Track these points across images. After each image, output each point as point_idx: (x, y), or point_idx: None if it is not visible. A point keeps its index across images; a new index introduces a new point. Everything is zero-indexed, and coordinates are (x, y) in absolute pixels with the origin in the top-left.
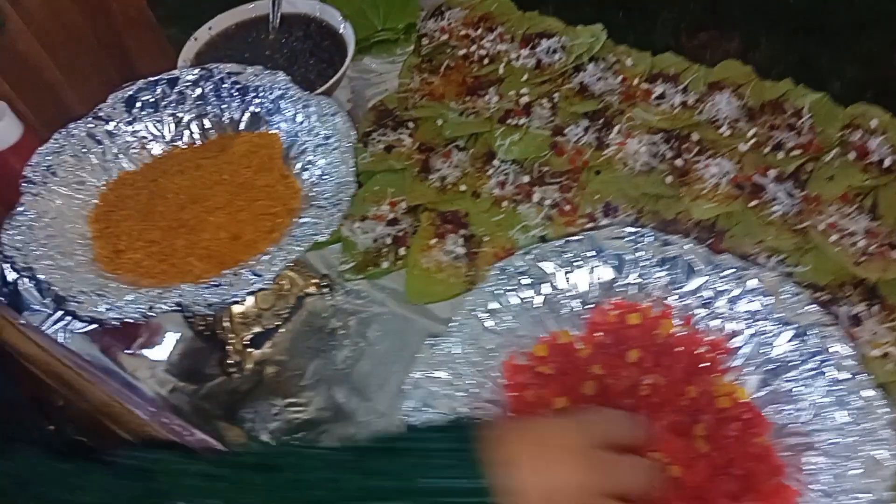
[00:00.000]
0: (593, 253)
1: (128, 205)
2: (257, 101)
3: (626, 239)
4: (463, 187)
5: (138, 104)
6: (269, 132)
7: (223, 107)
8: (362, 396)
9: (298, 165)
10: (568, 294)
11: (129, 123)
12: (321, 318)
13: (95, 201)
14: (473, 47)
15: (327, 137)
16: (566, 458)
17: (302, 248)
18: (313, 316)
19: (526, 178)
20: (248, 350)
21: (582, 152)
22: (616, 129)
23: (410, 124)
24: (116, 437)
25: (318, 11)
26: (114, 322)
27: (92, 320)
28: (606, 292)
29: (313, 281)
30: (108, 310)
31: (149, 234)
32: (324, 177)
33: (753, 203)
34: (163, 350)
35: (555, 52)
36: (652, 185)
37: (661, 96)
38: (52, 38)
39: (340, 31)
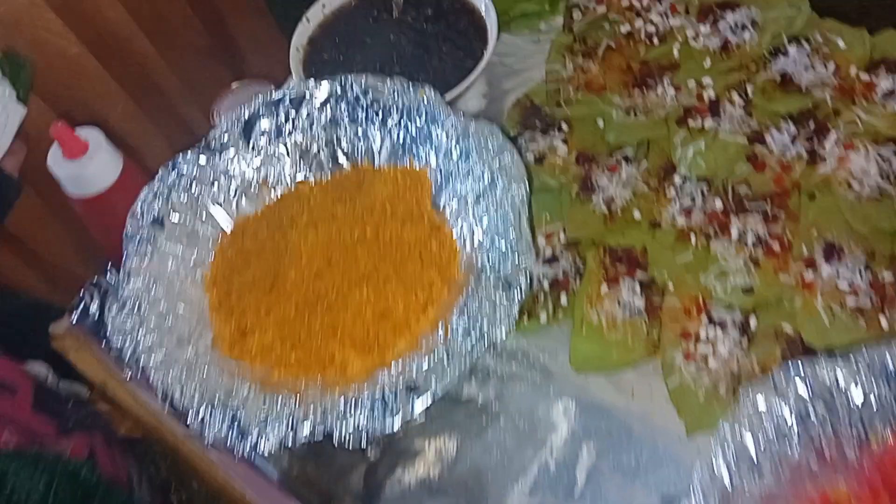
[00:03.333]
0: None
1: (251, 264)
2: (400, 126)
3: None
4: (637, 214)
5: (257, 130)
6: (416, 168)
7: (359, 133)
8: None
9: (453, 214)
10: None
11: (247, 154)
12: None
13: (211, 258)
14: (639, 22)
15: (491, 180)
16: None
17: (473, 353)
18: None
19: (718, 203)
20: None
21: (790, 168)
22: (832, 136)
23: (564, 126)
24: None
25: None
26: (245, 453)
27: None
28: None
29: None
30: (239, 437)
31: (279, 309)
32: (488, 234)
33: None
34: None
35: (743, 28)
36: (887, 218)
37: (891, 93)
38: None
39: (480, 10)
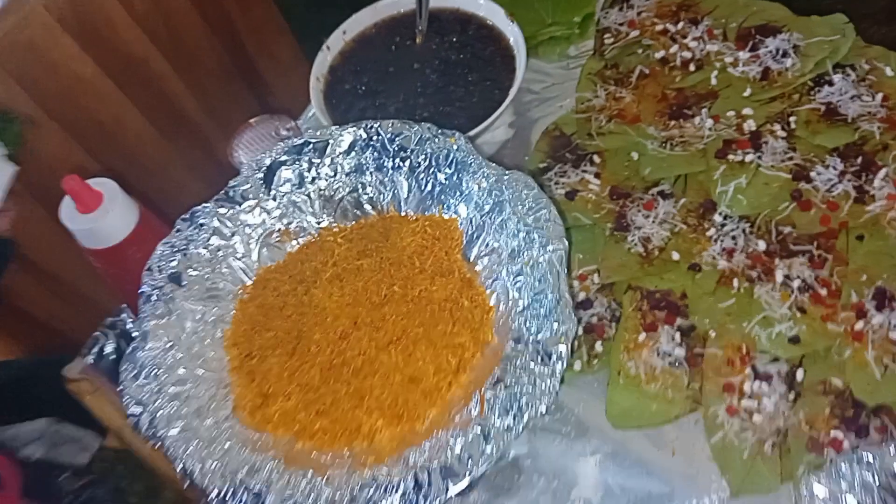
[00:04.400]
0: None
1: (273, 322)
2: (428, 174)
3: None
4: (675, 255)
5: (279, 179)
6: (445, 217)
7: (385, 181)
8: None
9: (485, 270)
10: None
11: (269, 203)
12: None
13: (232, 313)
14: (674, 48)
15: (527, 237)
16: None
17: (512, 433)
18: None
19: (762, 245)
20: None
21: (837, 207)
22: (882, 173)
23: (596, 158)
24: None
25: (476, 7)
26: None
27: None
28: None
29: None
30: None
31: (303, 374)
32: (524, 295)
33: None
34: None
35: (785, 55)
36: None
37: None
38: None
39: (508, 37)
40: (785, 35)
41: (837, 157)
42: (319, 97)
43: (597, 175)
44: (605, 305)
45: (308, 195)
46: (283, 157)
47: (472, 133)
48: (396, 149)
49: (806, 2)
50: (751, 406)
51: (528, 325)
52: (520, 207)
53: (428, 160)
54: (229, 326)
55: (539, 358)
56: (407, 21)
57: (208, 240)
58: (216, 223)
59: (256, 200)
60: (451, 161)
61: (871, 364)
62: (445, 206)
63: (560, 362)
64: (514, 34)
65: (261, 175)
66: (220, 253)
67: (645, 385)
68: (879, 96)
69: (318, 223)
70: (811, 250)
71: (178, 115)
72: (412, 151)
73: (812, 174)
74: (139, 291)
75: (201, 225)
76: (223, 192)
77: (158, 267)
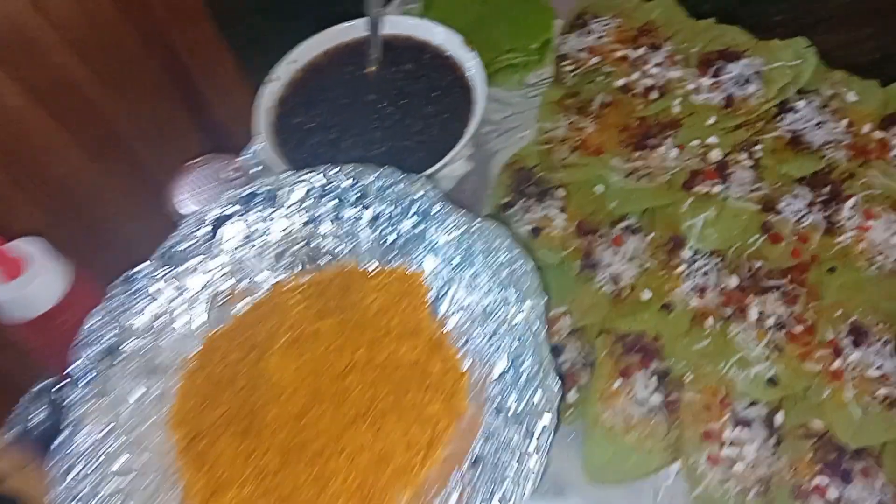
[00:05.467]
0: None
1: (223, 398)
2: (390, 223)
3: None
4: (646, 294)
5: (226, 233)
6: (409, 272)
7: (343, 232)
8: None
9: (456, 329)
10: None
11: (215, 260)
12: None
13: (177, 388)
14: (636, 74)
15: (501, 294)
16: None
17: None
18: None
19: (734, 281)
20: None
21: (807, 239)
22: (850, 203)
23: (561, 191)
24: None
25: (431, 34)
26: None
27: None
28: None
29: None
30: None
31: (259, 458)
32: (500, 359)
33: None
34: None
35: (748, 81)
36: None
37: None
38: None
39: (464, 67)
40: (747, 60)
41: (805, 187)
42: (268, 132)
43: (562, 210)
44: (576, 351)
45: (258, 250)
46: (230, 210)
47: (431, 170)
48: (356, 197)
49: (760, 18)
50: (732, 454)
51: (506, 393)
52: (491, 260)
53: (391, 209)
54: (175, 403)
55: (522, 431)
56: (359, 49)
57: (147, 306)
58: (155, 287)
59: (200, 259)
60: (416, 209)
61: (851, 404)
62: (411, 258)
63: (546, 435)
64: (472, 63)
65: (205, 230)
66: (161, 320)
67: (623, 436)
68: (844, 122)
69: (271, 281)
70: (784, 285)
71: (118, 143)
72: (373, 199)
73: (781, 205)
74: (70, 372)
75: (138, 289)
76: (163, 250)
77: (91, 340)
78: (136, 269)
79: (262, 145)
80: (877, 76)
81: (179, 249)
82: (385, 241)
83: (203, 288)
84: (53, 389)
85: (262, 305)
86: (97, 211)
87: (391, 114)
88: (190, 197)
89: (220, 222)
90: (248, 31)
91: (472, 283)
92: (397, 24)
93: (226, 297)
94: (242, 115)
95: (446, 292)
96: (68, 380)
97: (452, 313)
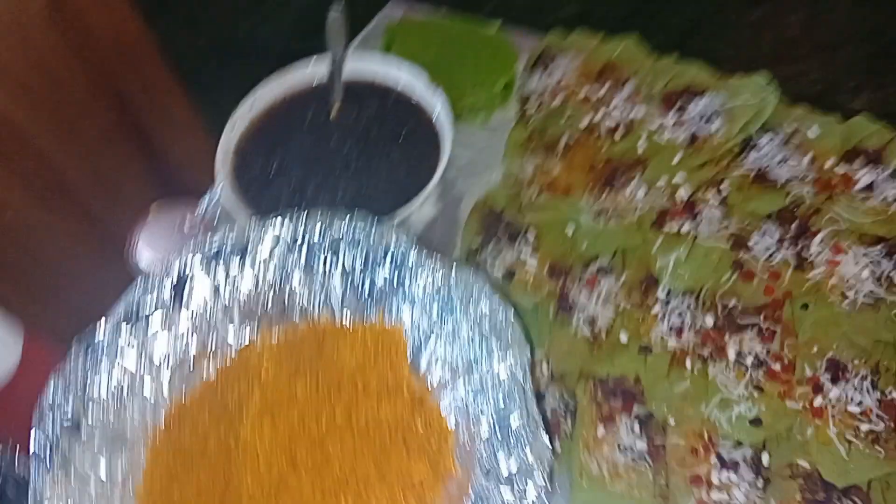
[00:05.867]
0: None
1: (194, 472)
2: (365, 274)
3: None
4: (623, 336)
5: (191, 290)
6: (387, 326)
7: (315, 285)
8: None
9: (438, 384)
10: None
11: (179, 320)
12: None
13: (144, 463)
14: (600, 114)
15: (483, 345)
16: None
17: None
18: None
19: (709, 320)
20: None
21: (778, 275)
22: (817, 238)
23: (531, 234)
24: None
25: (396, 74)
26: None
27: None
28: None
29: None
30: None
31: None
32: (485, 415)
33: None
34: None
35: (711, 118)
36: (885, 328)
37: (870, 186)
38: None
39: (429, 109)
40: (709, 97)
41: (773, 223)
42: (228, 179)
43: (533, 252)
44: (557, 398)
45: (225, 308)
46: (194, 264)
47: (401, 215)
48: (327, 246)
49: (709, 53)
50: (721, 499)
51: (496, 453)
52: (472, 310)
53: (364, 258)
54: (143, 478)
55: (514, 493)
56: (319, 93)
57: (108, 371)
58: (116, 350)
59: (164, 320)
60: (391, 258)
61: (835, 441)
62: (387, 310)
63: (539, 496)
64: (439, 104)
65: (168, 286)
66: (124, 389)
67: (609, 485)
68: (807, 158)
69: (240, 339)
70: (759, 323)
71: (64, 190)
72: (345, 247)
73: (751, 242)
74: (31, 453)
75: (98, 353)
76: (123, 308)
77: (49, 415)
78: (94, 331)
79: (222, 192)
80: (822, 106)
81: (141, 308)
82: (359, 292)
83: (168, 350)
84: (14, 465)
85: (232, 367)
86: (49, 265)
87: (355, 159)
88: (147, 249)
89: (183, 278)
90: (204, 74)
91: (453, 335)
92: (359, 64)
93: (192, 359)
94: (201, 160)
95: (426, 345)
96: (28, 457)
97: (433, 367)
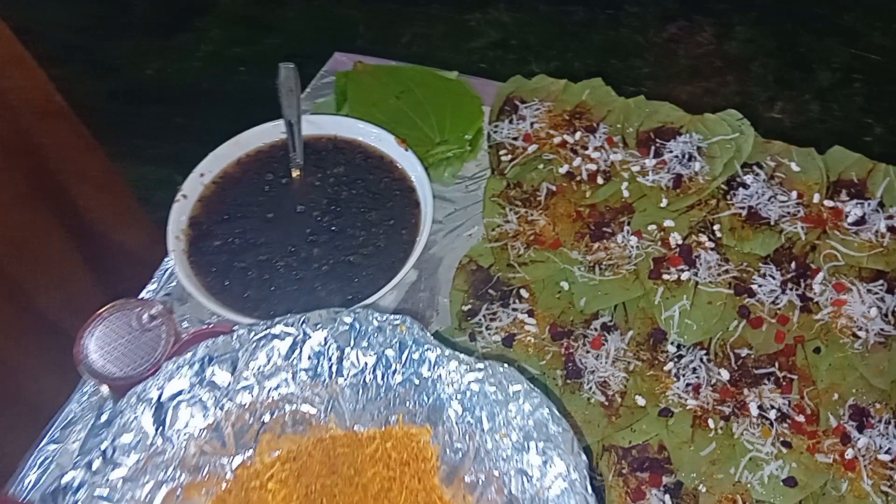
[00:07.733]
0: None
1: None
2: (375, 374)
3: None
4: (640, 400)
5: (174, 414)
6: (410, 429)
7: (321, 391)
8: None
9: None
10: None
11: (164, 453)
12: None
13: None
14: (577, 160)
15: (523, 447)
16: None
17: None
18: None
19: (725, 374)
20: None
21: (787, 320)
22: (819, 277)
23: (524, 292)
24: None
25: (357, 132)
26: None
27: None
28: None
29: None
30: None
31: None
32: None
33: None
34: None
35: (691, 158)
36: None
37: (861, 220)
38: None
39: (401, 166)
40: (685, 137)
41: (771, 264)
42: (183, 260)
43: (530, 313)
44: None
45: (217, 429)
46: (176, 386)
47: (388, 287)
48: (330, 350)
49: (627, 73)
50: None
51: None
52: (511, 408)
53: (375, 358)
54: None
55: None
56: (277, 154)
57: None
58: (86, 495)
59: (143, 446)
60: (406, 356)
61: (872, 495)
62: (407, 415)
63: None
64: (409, 162)
65: (148, 411)
66: None
67: None
68: (794, 194)
69: (234, 463)
70: (775, 372)
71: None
72: (352, 350)
73: (753, 286)
74: None
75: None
76: (94, 449)
77: None
78: (64, 482)
79: (178, 274)
80: (744, 114)
81: (115, 446)
82: (373, 397)
83: (151, 484)
84: None
85: (228, 500)
86: None
87: (327, 225)
88: (99, 354)
89: (164, 404)
90: (114, 121)
91: (489, 441)
92: (317, 124)
93: (181, 494)
94: (149, 245)
95: (458, 452)
96: None
97: (470, 473)
